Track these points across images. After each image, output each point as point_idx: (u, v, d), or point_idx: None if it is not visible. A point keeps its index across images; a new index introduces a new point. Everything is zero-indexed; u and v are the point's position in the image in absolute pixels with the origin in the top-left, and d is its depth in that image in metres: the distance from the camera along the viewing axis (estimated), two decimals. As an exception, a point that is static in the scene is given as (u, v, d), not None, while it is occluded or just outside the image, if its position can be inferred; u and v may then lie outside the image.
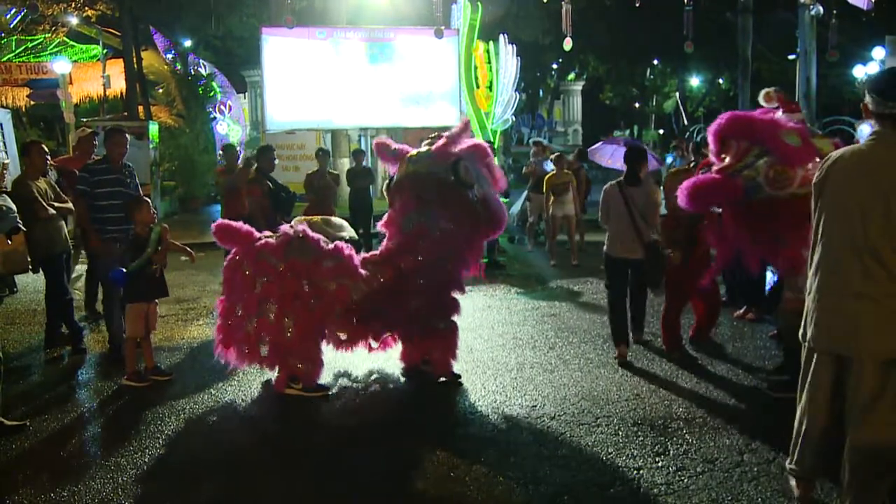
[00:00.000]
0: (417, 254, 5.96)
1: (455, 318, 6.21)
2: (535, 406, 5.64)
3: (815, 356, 3.79)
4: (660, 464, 4.63)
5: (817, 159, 4.71)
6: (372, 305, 5.85)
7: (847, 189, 3.57)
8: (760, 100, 5.66)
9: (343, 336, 5.99)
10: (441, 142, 6.03)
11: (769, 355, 6.83)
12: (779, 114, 5.25)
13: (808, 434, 3.92)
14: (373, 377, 6.32)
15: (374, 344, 6.16)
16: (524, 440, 5.02)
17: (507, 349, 7.23)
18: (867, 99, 3.64)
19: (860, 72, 25.91)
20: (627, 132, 41.01)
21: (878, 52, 21.84)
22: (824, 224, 3.66)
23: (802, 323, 3.82)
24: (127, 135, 7.30)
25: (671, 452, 4.79)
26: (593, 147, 17.38)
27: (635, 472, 4.53)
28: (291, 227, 5.98)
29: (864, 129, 16.54)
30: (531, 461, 4.69)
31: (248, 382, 6.30)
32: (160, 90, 24.73)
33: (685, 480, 4.41)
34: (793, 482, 4.19)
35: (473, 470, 4.58)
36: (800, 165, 4.84)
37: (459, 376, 6.27)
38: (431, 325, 6.10)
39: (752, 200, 4.94)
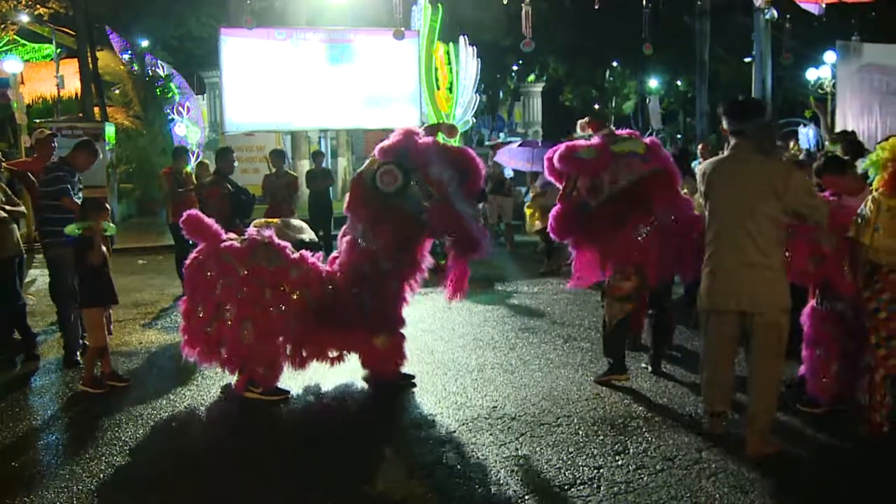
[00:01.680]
0: (350, 264, 5.87)
1: (397, 329, 6.05)
2: (496, 407, 5.66)
3: (720, 317, 4.76)
4: (620, 462, 4.67)
5: (619, 160, 5.75)
6: (319, 314, 5.78)
7: (726, 189, 4.71)
8: (577, 129, 6.28)
9: (289, 351, 5.86)
10: (386, 142, 5.86)
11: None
12: (593, 136, 6.01)
13: (716, 380, 4.91)
14: (333, 380, 6.27)
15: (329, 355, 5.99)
16: (485, 441, 5.02)
17: (467, 350, 7.24)
18: (724, 122, 4.85)
19: (813, 74, 26.38)
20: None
21: (830, 56, 22.26)
22: (716, 216, 4.75)
23: (701, 293, 4.84)
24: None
25: (631, 451, 4.83)
26: (505, 149, 16.48)
27: (595, 471, 4.55)
28: (259, 232, 5.91)
29: (810, 133, 16.78)
30: (492, 462, 4.70)
31: (207, 387, 6.23)
32: (117, 91, 24.38)
33: (645, 478, 4.45)
34: (706, 422, 5.04)
35: (435, 471, 4.58)
36: (601, 171, 5.76)
37: (412, 376, 6.26)
38: (368, 338, 5.94)
39: (586, 215, 5.84)
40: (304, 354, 5.90)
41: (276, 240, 5.85)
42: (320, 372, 6.22)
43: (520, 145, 16.23)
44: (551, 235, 6.33)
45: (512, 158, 15.25)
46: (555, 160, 5.86)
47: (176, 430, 5.41)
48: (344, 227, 6.04)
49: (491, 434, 5.14)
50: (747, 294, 4.60)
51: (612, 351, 6.20)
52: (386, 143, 5.85)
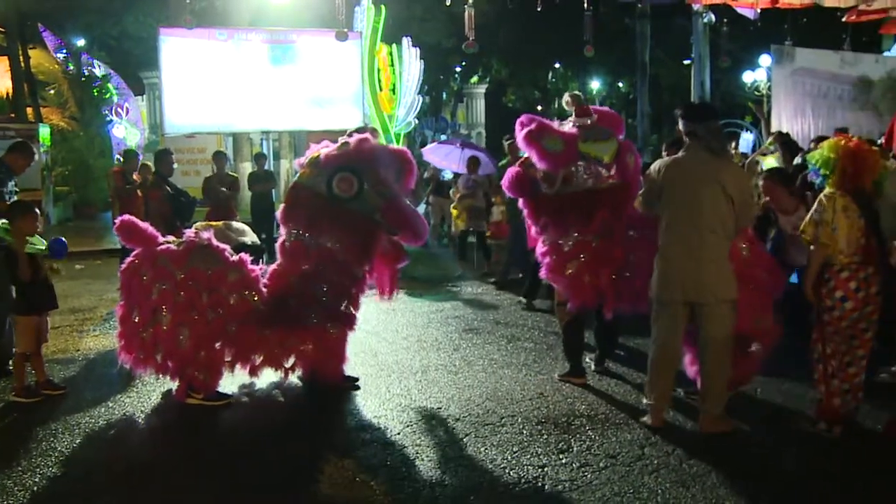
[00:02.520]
0: (297, 268, 5.79)
1: (345, 329, 5.99)
2: (440, 408, 5.66)
3: (668, 307, 5.00)
4: (564, 461, 4.71)
5: (580, 162, 5.71)
6: (262, 320, 5.70)
7: (680, 186, 4.94)
8: (564, 103, 6.14)
9: (229, 356, 5.75)
10: (331, 149, 5.87)
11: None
12: (570, 118, 5.95)
13: (661, 371, 5.11)
14: (275, 384, 6.20)
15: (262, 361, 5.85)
16: (429, 442, 5.02)
17: (411, 352, 7.22)
18: (680, 123, 5.11)
19: (750, 77, 26.99)
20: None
21: (765, 60, 22.81)
22: (669, 212, 4.99)
23: (653, 285, 5.06)
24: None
25: (574, 449, 4.87)
26: (431, 146, 16.46)
27: (540, 469, 4.59)
28: (196, 234, 5.82)
29: (748, 137, 17.24)
30: (437, 463, 4.71)
31: (147, 393, 6.10)
32: (51, 91, 23.77)
33: (588, 476, 4.49)
34: (648, 417, 5.21)
35: (379, 474, 4.56)
36: (560, 168, 5.70)
37: (356, 379, 6.23)
38: (318, 336, 5.86)
39: (538, 195, 5.86)
40: (256, 361, 5.81)
41: (216, 242, 5.76)
42: (263, 375, 6.13)
43: (439, 143, 16.17)
44: (507, 193, 6.44)
45: (434, 155, 15.23)
46: (520, 137, 5.74)
47: (114, 439, 5.29)
48: (285, 237, 5.91)
49: (435, 435, 5.14)
50: (692, 284, 4.86)
51: (567, 354, 6.30)
52: (334, 151, 5.84)
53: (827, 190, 5.02)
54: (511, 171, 6.09)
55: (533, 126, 5.73)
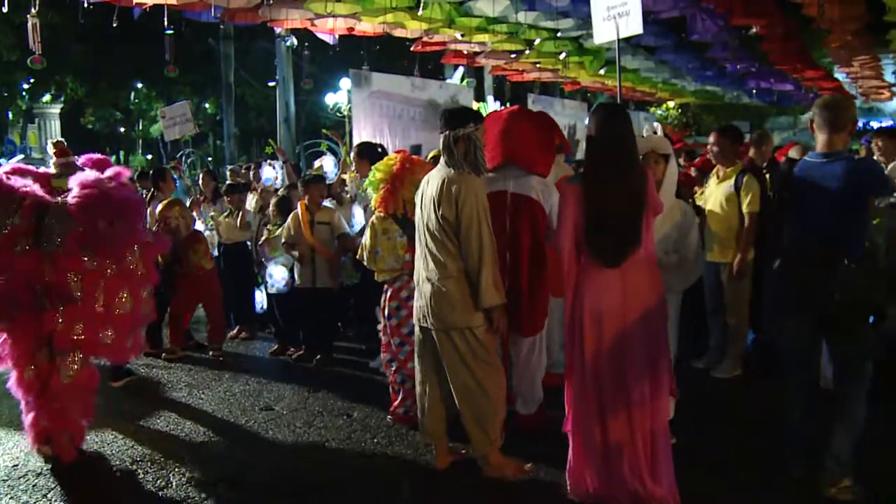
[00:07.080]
0: None
1: None
2: (17, 465, 4.98)
3: (421, 334, 4.58)
4: (165, 497, 4.45)
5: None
6: None
7: (419, 200, 4.51)
8: (48, 150, 5.76)
9: None
10: None
11: (264, 370, 7.15)
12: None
13: (429, 403, 4.61)
14: None
15: None
16: (33, 499, 4.42)
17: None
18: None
19: (331, 99, 28.33)
20: (114, 157, 39.29)
21: (346, 82, 24.09)
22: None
23: None
24: None
25: (174, 483, 4.63)
26: None
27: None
28: None
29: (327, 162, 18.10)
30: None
31: None
32: None
33: (190, 511, 4.32)
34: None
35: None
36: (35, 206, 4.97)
37: None
38: None
39: None
40: None
41: None
42: None
43: None
44: None
45: None
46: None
47: None
48: None
49: (13, 498, 4.53)
50: (424, 309, 4.44)
51: None
52: None
53: (374, 216, 5.46)
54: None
55: (8, 166, 5.26)
